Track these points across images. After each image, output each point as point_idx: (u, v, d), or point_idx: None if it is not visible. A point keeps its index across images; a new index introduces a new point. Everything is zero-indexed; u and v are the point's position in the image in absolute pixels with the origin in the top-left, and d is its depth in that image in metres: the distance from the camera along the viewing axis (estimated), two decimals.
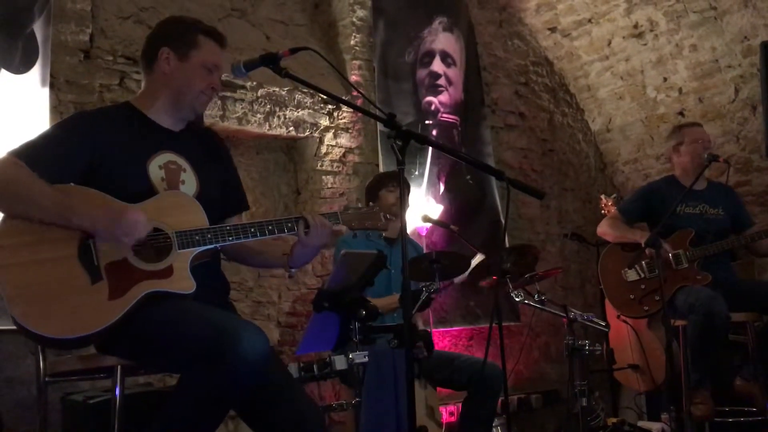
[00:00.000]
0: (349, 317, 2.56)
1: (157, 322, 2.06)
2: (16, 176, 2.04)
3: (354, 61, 4.84)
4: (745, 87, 5.35)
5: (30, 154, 2.10)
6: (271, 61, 2.25)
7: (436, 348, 4.15)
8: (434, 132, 5.13)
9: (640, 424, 4.65)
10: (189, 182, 2.30)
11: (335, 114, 4.67)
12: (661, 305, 3.65)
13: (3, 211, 2.08)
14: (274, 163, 4.64)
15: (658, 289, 3.73)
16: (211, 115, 4.08)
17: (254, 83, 4.25)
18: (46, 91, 3.42)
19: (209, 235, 2.17)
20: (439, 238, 4.90)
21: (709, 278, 3.86)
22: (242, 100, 4.23)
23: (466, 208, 5.19)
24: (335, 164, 4.68)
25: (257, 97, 4.30)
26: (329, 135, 4.65)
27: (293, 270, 2.42)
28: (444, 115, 5.22)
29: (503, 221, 5.35)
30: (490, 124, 5.64)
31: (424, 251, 4.21)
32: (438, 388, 3.80)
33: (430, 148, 4.89)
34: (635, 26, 5.62)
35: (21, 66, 3.35)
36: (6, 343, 3.14)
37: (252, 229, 2.22)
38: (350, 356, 2.66)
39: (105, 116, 2.30)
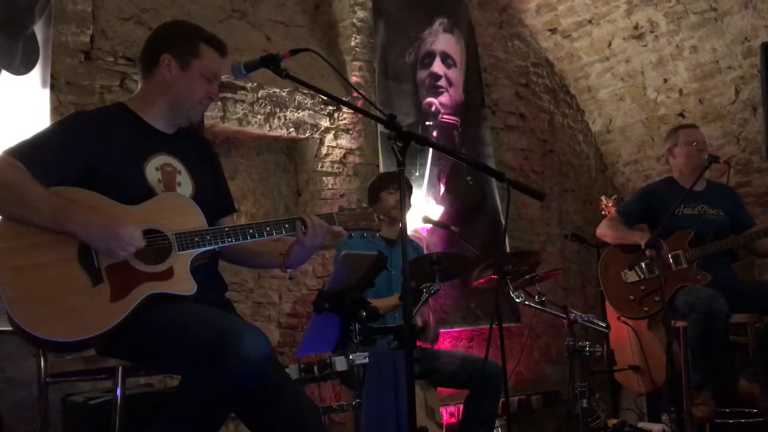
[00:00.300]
0: (349, 318, 2.56)
1: (158, 324, 2.06)
2: (13, 178, 2.04)
3: (354, 62, 4.84)
4: (745, 88, 5.35)
5: (27, 154, 2.10)
6: (271, 62, 2.25)
7: (437, 348, 4.15)
8: (435, 133, 5.13)
9: (641, 425, 4.65)
10: (185, 184, 2.30)
11: (336, 115, 4.67)
12: (661, 306, 3.65)
13: (0, 214, 2.07)
14: (275, 164, 4.64)
15: (658, 289, 3.73)
16: (211, 116, 4.08)
17: (255, 84, 4.26)
18: (47, 92, 3.42)
19: (208, 237, 2.18)
20: (440, 239, 4.90)
21: (709, 278, 3.86)
22: (243, 101, 4.24)
23: (466, 209, 5.19)
24: (336, 165, 4.68)
25: (258, 98, 4.30)
26: (330, 136, 4.65)
27: (290, 270, 2.43)
28: (444, 116, 5.22)
29: (504, 222, 5.35)
30: (491, 125, 5.64)
31: (425, 252, 4.21)
32: (438, 389, 3.80)
33: (431, 150, 4.89)
34: (635, 27, 5.62)
35: (21, 67, 3.35)
36: (7, 344, 3.15)
37: (250, 230, 2.23)
38: (350, 357, 2.66)
39: (102, 118, 2.30)
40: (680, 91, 5.71)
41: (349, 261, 2.64)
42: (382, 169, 4.66)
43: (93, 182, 2.14)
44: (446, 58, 5.31)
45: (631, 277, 4.10)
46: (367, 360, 2.66)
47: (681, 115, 5.79)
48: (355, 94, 4.36)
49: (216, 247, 2.22)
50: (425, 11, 5.27)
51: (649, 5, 5.43)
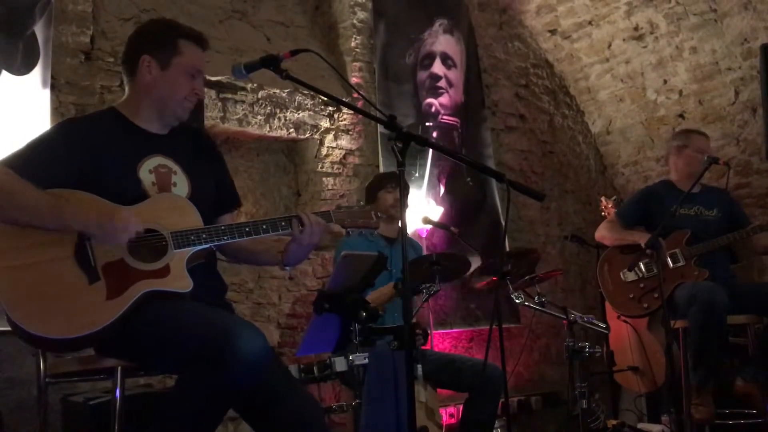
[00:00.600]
0: (349, 319, 2.56)
1: (155, 323, 2.06)
2: (6, 184, 2.04)
3: (354, 63, 4.84)
4: (745, 89, 5.35)
5: (20, 163, 2.10)
6: (271, 62, 2.25)
7: (436, 349, 4.16)
8: (435, 134, 5.13)
9: (640, 426, 4.65)
10: (180, 184, 2.30)
11: (336, 116, 4.67)
12: (661, 303, 3.66)
13: None
14: (275, 164, 4.64)
15: (657, 287, 3.75)
16: (211, 117, 4.08)
17: (255, 85, 4.26)
18: (47, 92, 3.42)
19: (204, 235, 2.18)
20: (439, 240, 4.90)
21: (707, 273, 3.89)
22: (243, 101, 4.24)
23: (466, 210, 5.19)
24: (335, 166, 4.68)
25: (258, 99, 4.31)
26: (330, 137, 4.65)
27: (288, 268, 2.43)
28: (444, 117, 5.22)
29: (503, 223, 5.35)
30: (491, 126, 5.64)
31: (424, 252, 4.22)
32: (438, 390, 3.80)
33: (431, 150, 4.89)
34: (635, 28, 5.62)
35: (22, 67, 3.35)
36: (7, 344, 3.15)
37: (247, 229, 2.23)
38: (350, 358, 2.67)
39: (93, 124, 2.30)
40: (680, 93, 5.71)
41: (349, 261, 2.64)
42: (382, 170, 4.67)
43: (88, 188, 2.15)
44: (446, 59, 5.31)
45: (630, 276, 4.12)
46: (366, 360, 2.66)
47: (681, 116, 5.79)
48: (355, 95, 4.37)
49: (212, 245, 2.22)
50: (425, 12, 5.28)
51: (649, 6, 5.44)
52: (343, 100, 2.51)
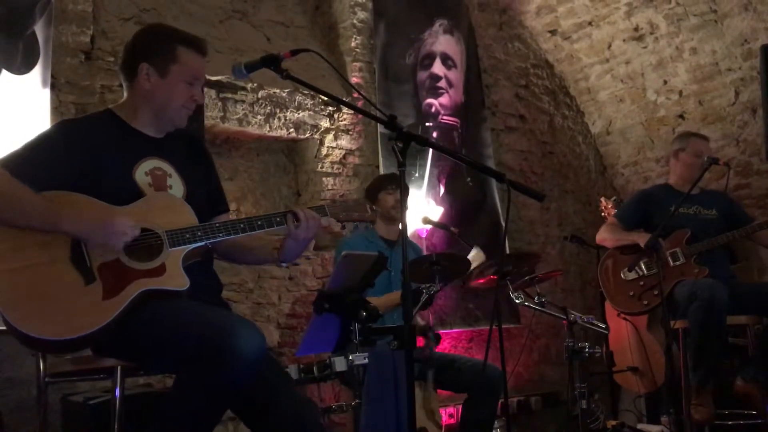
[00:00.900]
0: (349, 319, 2.56)
1: (152, 322, 2.07)
2: (2, 185, 2.04)
3: (354, 63, 4.84)
4: (745, 90, 5.35)
5: (16, 163, 2.10)
6: (272, 62, 2.25)
7: (436, 350, 4.15)
8: (435, 134, 5.13)
9: (640, 426, 4.65)
10: (176, 187, 2.31)
11: (336, 116, 4.67)
12: (660, 300, 3.66)
13: None
14: (275, 164, 4.64)
15: (657, 284, 3.76)
16: (211, 117, 4.08)
17: (255, 85, 4.26)
18: (47, 92, 3.42)
19: (199, 233, 2.19)
20: (439, 240, 4.90)
21: (707, 271, 3.90)
22: (243, 101, 4.24)
23: (466, 210, 5.19)
24: (336, 166, 4.68)
25: (258, 99, 4.30)
26: (330, 137, 4.65)
27: (284, 264, 2.44)
28: (444, 117, 5.22)
29: (503, 223, 5.35)
30: (491, 126, 5.64)
31: (424, 253, 4.21)
32: (438, 390, 3.80)
33: (431, 150, 4.89)
34: (635, 29, 5.62)
35: (22, 67, 3.35)
36: (6, 344, 3.14)
37: (242, 225, 2.23)
38: (350, 358, 2.66)
39: (89, 125, 2.30)
40: (680, 93, 5.71)
41: (349, 261, 2.64)
42: (382, 170, 4.67)
43: (84, 190, 2.15)
44: (446, 60, 5.31)
45: (630, 276, 4.14)
46: (366, 360, 2.66)
47: (681, 117, 5.79)
48: (356, 95, 4.36)
49: (208, 243, 2.22)
50: (425, 12, 5.28)
51: (649, 7, 5.44)
52: (344, 99, 2.51)
